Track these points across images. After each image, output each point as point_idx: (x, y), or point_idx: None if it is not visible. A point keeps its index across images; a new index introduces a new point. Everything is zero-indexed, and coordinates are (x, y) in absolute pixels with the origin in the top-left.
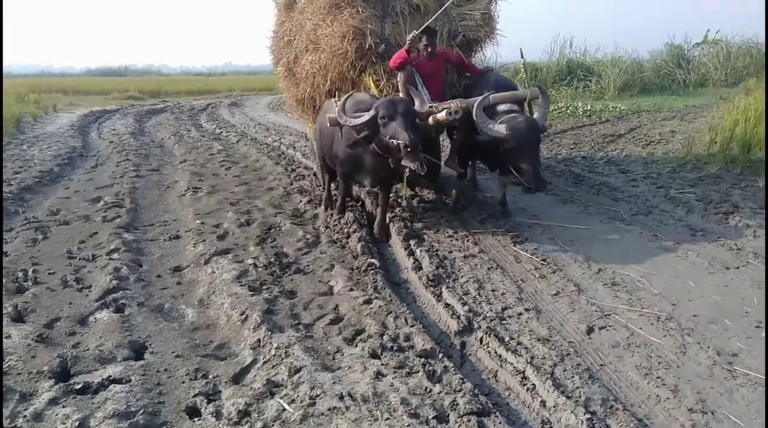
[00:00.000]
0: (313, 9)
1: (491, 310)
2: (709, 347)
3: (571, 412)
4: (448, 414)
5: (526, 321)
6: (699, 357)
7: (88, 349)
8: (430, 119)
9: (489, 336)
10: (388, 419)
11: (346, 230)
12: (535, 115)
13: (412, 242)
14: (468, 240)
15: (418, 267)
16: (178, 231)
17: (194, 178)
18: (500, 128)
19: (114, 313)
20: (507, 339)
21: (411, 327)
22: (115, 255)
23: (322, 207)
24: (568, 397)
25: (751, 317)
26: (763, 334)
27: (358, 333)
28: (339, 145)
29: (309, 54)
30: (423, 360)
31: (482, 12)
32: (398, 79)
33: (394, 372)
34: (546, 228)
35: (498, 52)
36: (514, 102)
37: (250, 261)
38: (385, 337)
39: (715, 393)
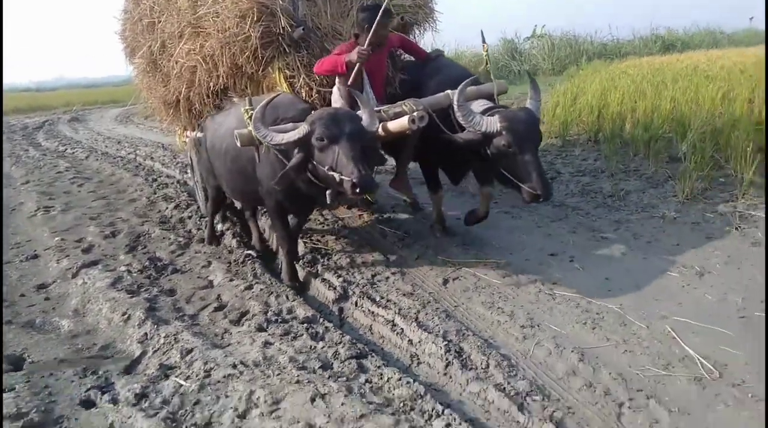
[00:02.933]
0: None
1: (362, 277)
2: (536, 280)
3: (432, 343)
4: (332, 362)
5: (393, 282)
6: (528, 289)
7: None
8: (380, 129)
9: (362, 299)
10: (279, 374)
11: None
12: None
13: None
14: (338, 224)
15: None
16: (35, 250)
17: (43, 198)
18: (493, 121)
19: None
20: (378, 298)
21: (292, 302)
22: None
23: (206, 241)
24: (429, 333)
25: (566, 254)
26: None
27: (243, 314)
28: (260, 169)
29: (185, 41)
30: (306, 325)
31: None
32: (337, 81)
33: (281, 339)
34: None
35: (436, 39)
36: (481, 97)
37: (122, 268)
38: (269, 313)
39: (540, 311)
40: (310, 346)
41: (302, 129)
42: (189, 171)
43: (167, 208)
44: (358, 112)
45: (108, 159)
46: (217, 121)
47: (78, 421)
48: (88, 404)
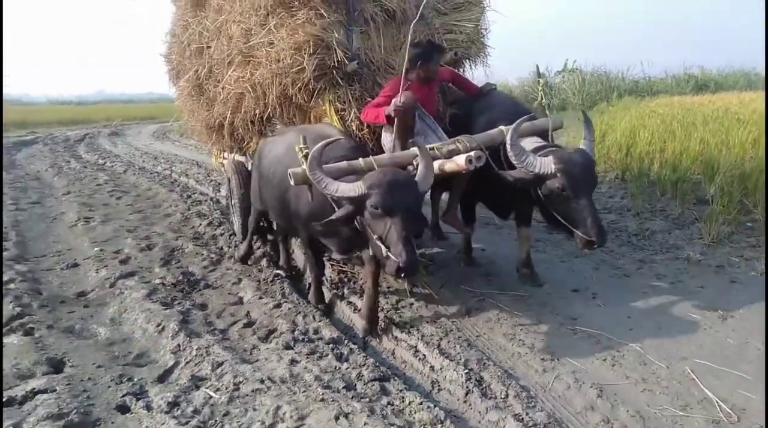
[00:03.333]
0: (243, 9)
1: (387, 303)
2: (558, 314)
3: (453, 370)
4: (356, 384)
5: (417, 309)
6: (550, 322)
7: (2, 369)
8: (436, 168)
9: (386, 323)
10: (305, 391)
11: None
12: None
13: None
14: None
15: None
16: (75, 259)
17: (84, 208)
18: (547, 162)
19: (24, 336)
20: (401, 323)
21: (319, 322)
22: (12, 285)
23: (241, 260)
24: (451, 360)
25: (588, 290)
26: None
27: (271, 332)
28: (306, 204)
29: (234, 68)
30: (331, 346)
31: (474, 23)
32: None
33: (307, 357)
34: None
35: (489, 73)
36: (535, 134)
37: (157, 280)
38: (296, 332)
39: (560, 346)
40: (335, 366)
41: (358, 188)
42: (225, 191)
43: (200, 225)
44: (415, 164)
45: (145, 174)
46: (269, 147)
47: (114, 424)
48: (123, 409)
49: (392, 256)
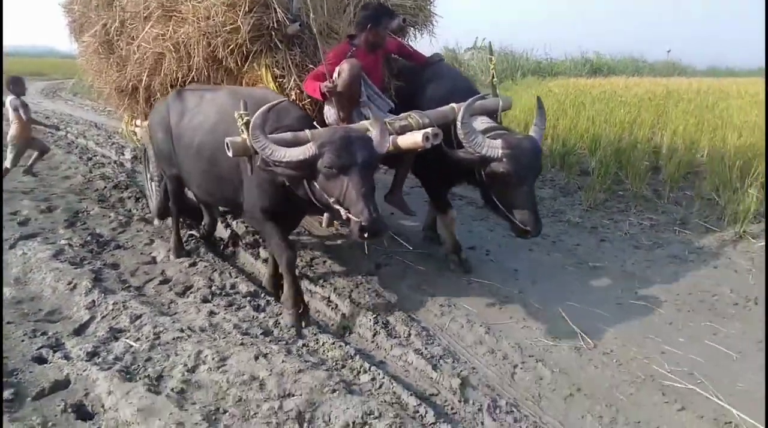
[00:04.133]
0: None
1: (301, 260)
2: (456, 269)
3: (363, 316)
4: (273, 330)
5: (329, 265)
6: (448, 275)
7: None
8: (389, 143)
9: (301, 279)
10: (225, 338)
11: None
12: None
13: (228, 218)
14: None
15: (236, 236)
16: None
17: None
18: (495, 145)
19: None
20: (315, 278)
21: (235, 278)
22: None
23: (172, 254)
24: (361, 308)
25: (483, 248)
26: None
27: (187, 288)
28: (248, 180)
29: (153, 24)
30: (249, 298)
31: None
32: (337, 83)
33: (225, 309)
34: None
35: (434, 42)
36: (485, 113)
37: (63, 241)
38: (213, 287)
39: (457, 294)
40: (253, 316)
41: (308, 150)
42: (139, 162)
43: (105, 187)
44: (368, 130)
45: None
46: (188, 104)
47: (33, 373)
48: (40, 360)
49: (353, 217)
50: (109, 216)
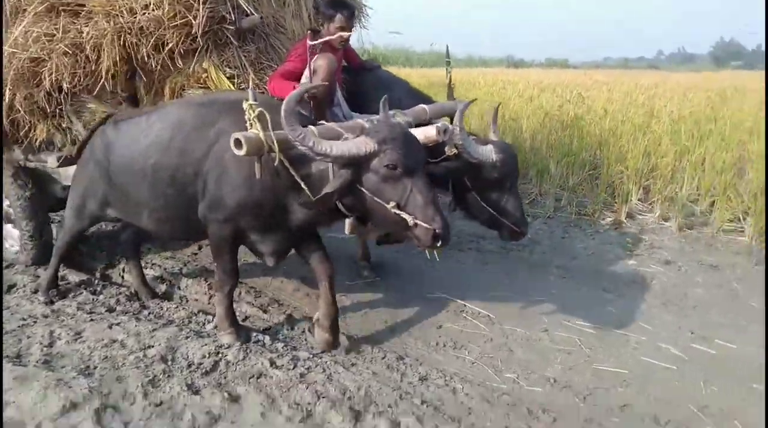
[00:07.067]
0: None
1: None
2: None
3: (198, 285)
4: (116, 307)
5: (155, 250)
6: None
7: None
8: None
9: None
10: (72, 318)
11: None
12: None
13: None
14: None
15: None
16: None
17: None
18: (489, 151)
19: None
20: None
21: (63, 271)
22: None
23: (41, 294)
24: (193, 278)
25: None
26: None
27: (11, 286)
28: (232, 183)
29: (32, 21)
30: (83, 286)
31: None
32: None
33: (61, 298)
34: None
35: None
36: (445, 117)
37: None
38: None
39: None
40: (92, 299)
41: (365, 144)
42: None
43: None
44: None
45: None
46: (131, 131)
47: None
48: None
49: (423, 223)
50: None
